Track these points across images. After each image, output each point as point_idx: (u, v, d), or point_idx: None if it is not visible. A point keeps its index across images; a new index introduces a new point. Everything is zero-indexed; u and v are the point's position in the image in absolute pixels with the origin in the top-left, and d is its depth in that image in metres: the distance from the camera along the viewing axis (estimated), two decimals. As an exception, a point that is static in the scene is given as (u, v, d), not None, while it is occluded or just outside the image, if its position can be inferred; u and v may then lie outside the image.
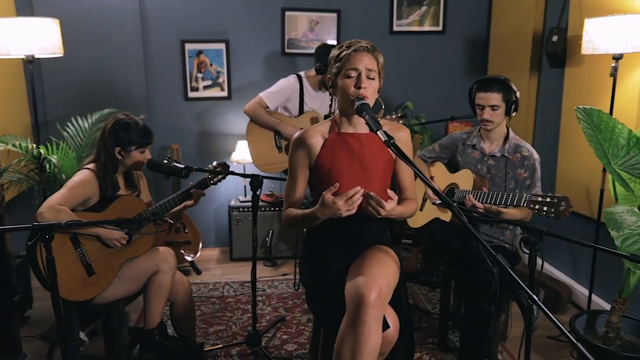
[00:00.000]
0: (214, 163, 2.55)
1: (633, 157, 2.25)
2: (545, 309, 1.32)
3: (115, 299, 2.29)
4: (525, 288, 1.35)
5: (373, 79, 1.73)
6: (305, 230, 1.96)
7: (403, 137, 1.85)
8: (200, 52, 4.02)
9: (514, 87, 2.51)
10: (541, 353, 2.79)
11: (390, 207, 1.66)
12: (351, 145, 1.79)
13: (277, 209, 4.04)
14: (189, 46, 3.99)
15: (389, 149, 1.82)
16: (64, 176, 2.73)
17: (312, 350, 2.02)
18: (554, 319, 1.25)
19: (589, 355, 1.23)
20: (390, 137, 1.51)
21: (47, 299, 3.40)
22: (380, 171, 1.82)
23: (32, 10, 3.67)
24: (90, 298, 2.19)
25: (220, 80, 4.09)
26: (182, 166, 2.23)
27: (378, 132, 1.52)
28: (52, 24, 2.53)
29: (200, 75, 4.06)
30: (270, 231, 4.01)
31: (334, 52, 1.76)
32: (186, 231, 3.81)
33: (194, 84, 4.07)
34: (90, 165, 2.27)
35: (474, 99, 2.60)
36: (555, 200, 2.07)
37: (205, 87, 4.09)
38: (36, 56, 2.55)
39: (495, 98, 2.49)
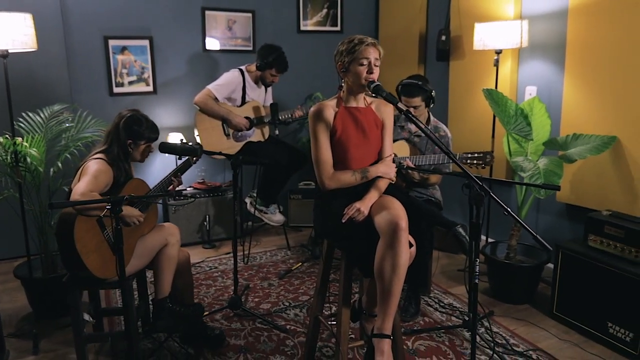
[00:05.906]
0: (190, 143, 2.81)
1: (520, 124, 3.13)
2: (516, 216, 2.00)
3: (129, 275, 2.49)
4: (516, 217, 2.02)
5: (377, 66, 2.27)
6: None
7: (390, 110, 2.40)
8: (124, 48, 4.10)
9: (430, 87, 3.22)
10: (455, 280, 3.64)
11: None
12: (356, 116, 2.30)
13: (210, 195, 4.31)
14: (112, 42, 4.05)
15: (378, 119, 2.36)
16: (40, 169, 2.75)
17: (322, 282, 2.46)
18: (522, 222, 1.92)
19: (529, 228, 1.94)
20: (406, 108, 2.07)
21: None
22: (375, 136, 2.35)
23: (-60, 3, 3.44)
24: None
25: (145, 75, 4.21)
26: (197, 146, 2.51)
27: (398, 105, 2.07)
28: (29, 19, 2.57)
29: (125, 70, 4.14)
30: (207, 216, 4.29)
31: (346, 46, 2.25)
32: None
33: (119, 79, 4.13)
34: (101, 155, 2.41)
35: (400, 95, 3.27)
36: (482, 155, 2.85)
37: (131, 83, 4.18)
38: (10, 51, 2.56)
39: (416, 101, 3.17)
